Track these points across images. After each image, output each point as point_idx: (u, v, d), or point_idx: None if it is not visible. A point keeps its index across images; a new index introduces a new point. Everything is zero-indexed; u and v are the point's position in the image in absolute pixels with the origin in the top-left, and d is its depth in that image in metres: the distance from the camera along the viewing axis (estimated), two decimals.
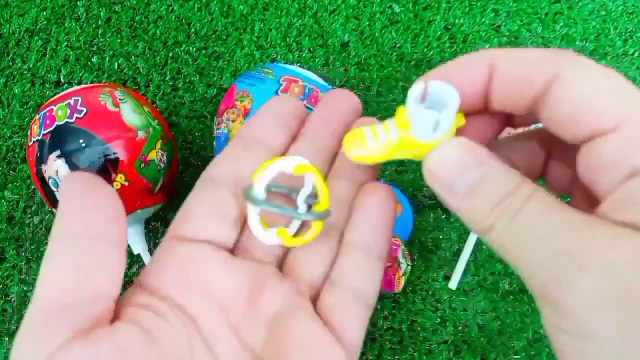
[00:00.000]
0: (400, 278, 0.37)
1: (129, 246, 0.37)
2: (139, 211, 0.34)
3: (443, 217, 0.40)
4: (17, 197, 0.40)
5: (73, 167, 0.32)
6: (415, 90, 0.16)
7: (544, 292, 0.14)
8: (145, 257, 0.36)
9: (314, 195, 0.20)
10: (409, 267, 0.38)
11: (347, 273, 0.19)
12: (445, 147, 0.16)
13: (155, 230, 0.39)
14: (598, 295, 0.13)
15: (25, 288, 0.38)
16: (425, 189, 0.40)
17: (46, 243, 0.39)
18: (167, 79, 0.43)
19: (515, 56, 0.16)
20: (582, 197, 0.18)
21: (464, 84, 0.17)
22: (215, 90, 0.43)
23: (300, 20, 0.44)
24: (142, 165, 0.33)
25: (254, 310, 0.18)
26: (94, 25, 0.44)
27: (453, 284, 0.39)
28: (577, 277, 0.14)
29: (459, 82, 0.17)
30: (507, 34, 0.44)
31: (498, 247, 0.16)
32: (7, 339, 0.37)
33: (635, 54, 0.44)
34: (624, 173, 0.14)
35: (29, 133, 0.34)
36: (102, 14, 0.44)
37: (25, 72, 0.43)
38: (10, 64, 0.43)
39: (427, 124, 0.16)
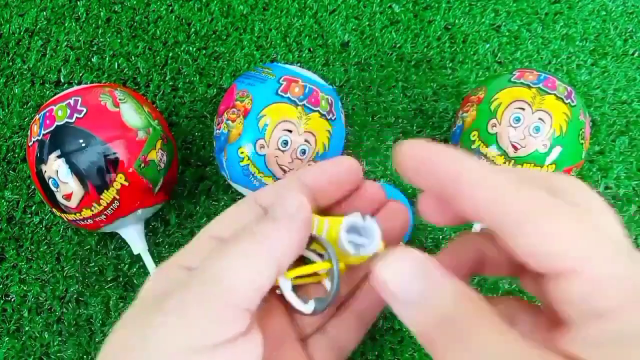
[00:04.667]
0: None
1: (129, 246, 0.37)
2: (139, 211, 0.34)
3: None
4: (17, 197, 0.40)
5: (73, 167, 0.32)
6: (345, 225, 0.20)
7: None
8: (146, 257, 0.36)
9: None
10: None
11: (335, 329, 0.24)
12: (393, 257, 0.17)
13: (155, 230, 0.39)
14: None
15: (25, 288, 0.38)
16: None
17: (46, 243, 0.39)
18: (167, 79, 0.43)
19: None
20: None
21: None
22: (215, 90, 0.43)
23: (300, 20, 0.44)
24: (142, 165, 0.33)
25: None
26: (94, 25, 0.44)
27: None
28: None
29: None
30: (507, 34, 0.44)
31: None
32: (7, 338, 0.37)
33: (635, 54, 0.44)
34: (586, 313, 0.15)
35: (29, 133, 0.34)
36: (102, 14, 0.44)
37: (25, 72, 0.43)
38: (10, 64, 0.43)
39: (353, 250, 0.20)
